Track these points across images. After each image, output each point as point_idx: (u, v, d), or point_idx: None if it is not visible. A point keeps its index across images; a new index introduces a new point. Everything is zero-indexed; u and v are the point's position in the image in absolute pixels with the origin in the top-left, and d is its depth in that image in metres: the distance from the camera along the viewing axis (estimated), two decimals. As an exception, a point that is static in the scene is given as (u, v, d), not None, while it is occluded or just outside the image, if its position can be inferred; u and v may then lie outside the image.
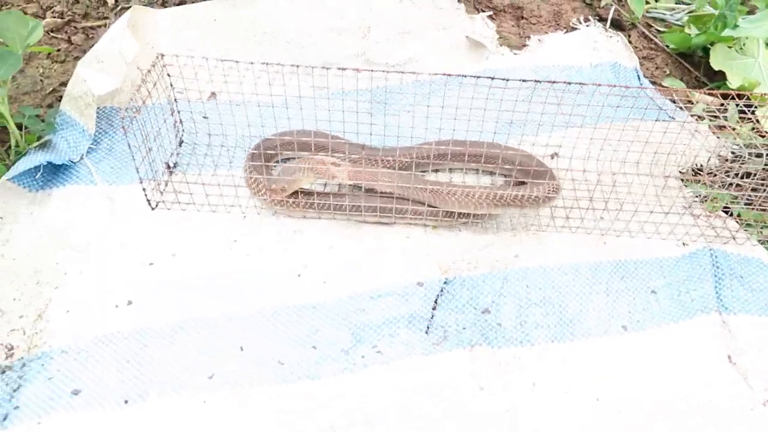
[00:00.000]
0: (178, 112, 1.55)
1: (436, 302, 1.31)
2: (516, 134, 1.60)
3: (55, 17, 1.82)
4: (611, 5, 2.05)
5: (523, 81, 1.39)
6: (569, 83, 1.39)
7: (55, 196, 1.47)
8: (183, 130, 1.60)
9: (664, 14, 2.13)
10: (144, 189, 1.40)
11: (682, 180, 1.61)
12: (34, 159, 1.44)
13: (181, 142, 1.60)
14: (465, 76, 1.38)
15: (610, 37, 1.92)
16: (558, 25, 2.01)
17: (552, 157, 1.31)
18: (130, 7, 1.71)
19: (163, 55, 1.41)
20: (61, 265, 1.34)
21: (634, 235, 1.44)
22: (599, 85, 1.41)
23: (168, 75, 1.46)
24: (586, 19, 1.99)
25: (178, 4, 1.76)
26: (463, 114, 1.42)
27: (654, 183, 1.56)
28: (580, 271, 1.38)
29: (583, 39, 1.88)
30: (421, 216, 1.43)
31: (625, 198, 1.47)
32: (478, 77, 1.39)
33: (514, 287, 1.34)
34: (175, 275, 1.33)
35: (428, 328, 1.28)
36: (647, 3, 2.11)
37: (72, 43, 1.80)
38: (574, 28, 1.98)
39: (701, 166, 1.63)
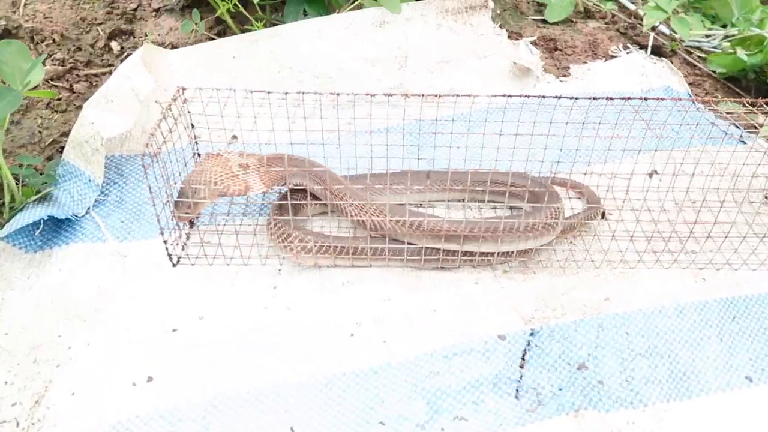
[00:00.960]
0: (199, 155, 1.36)
1: (523, 359, 1.09)
2: (582, 161, 1.42)
3: (55, 65, 1.66)
4: (650, 33, 1.94)
5: (594, 99, 1.23)
6: (645, 99, 1.23)
7: (56, 257, 1.25)
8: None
9: (699, 41, 2.03)
10: (165, 242, 1.18)
11: (769, 205, 1.43)
12: (33, 214, 1.23)
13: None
14: (528, 97, 1.22)
15: (655, 63, 1.80)
16: (595, 54, 1.89)
17: (650, 176, 1.14)
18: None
19: (184, 89, 1.23)
20: (64, 337, 1.11)
21: (737, 267, 1.24)
22: (679, 99, 1.25)
23: (188, 112, 1.28)
24: (626, 47, 1.88)
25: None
26: (522, 143, 1.25)
27: (741, 210, 1.37)
28: (685, 313, 1.17)
29: (628, 65, 1.76)
30: (490, 257, 1.22)
31: (712, 227, 1.28)
32: (543, 96, 1.23)
33: (612, 336, 1.12)
34: (204, 342, 1.10)
35: (518, 391, 1.05)
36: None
37: (74, 92, 1.63)
38: (613, 56, 1.86)
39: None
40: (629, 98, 1.24)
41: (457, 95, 1.19)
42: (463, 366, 1.06)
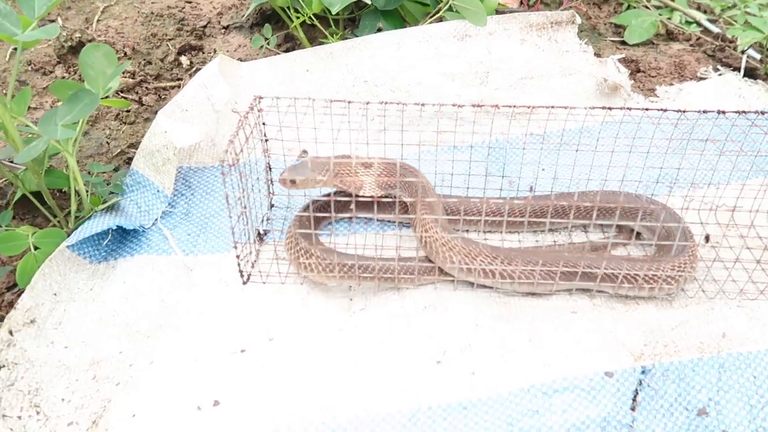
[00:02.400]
0: (271, 168, 1.30)
1: (634, 400, 0.95)
2: (683, 188, 1.29)
3: (126, 77, 1.64)
4: (742, 55, 1.81)
5: (704, 111, 1.12)
6: (763, 112, 1.11)
7: (120, 269, 1.19)
8: (273, 192, 1.33)
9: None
10: (238, 257, 1.11)
11: None
12: (101, 223, 1.17)
13: (272, 206, 1.33)
14: (630, 109, 1.11)
15: (751, 85, 1.67)
16: (682, 76, 1.77)
17: None
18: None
19: (260, 98, 1.18)
20: (125, 354, 1.04)
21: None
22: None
23: (263, 124, 1.22)
24: (716, 69, 1.75)
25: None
26: (618, 161, 1.14)
27: None
28: (820, 355, 1.01)
29: (723, 87, 1.63)
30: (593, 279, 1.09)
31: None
32: (647, 109, 1.12)
33: (736, 379, 0.98)
34: (275, 365, 1.01)
35: (630, 437, 0.91)
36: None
37: (143, 104, 1.60)
38: (701, 78, 1.74)
39: None
40: (744, 111, 1.12)
41: (552, 106, 1.10)
42: (565, 405, 0.94)
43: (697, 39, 1.97)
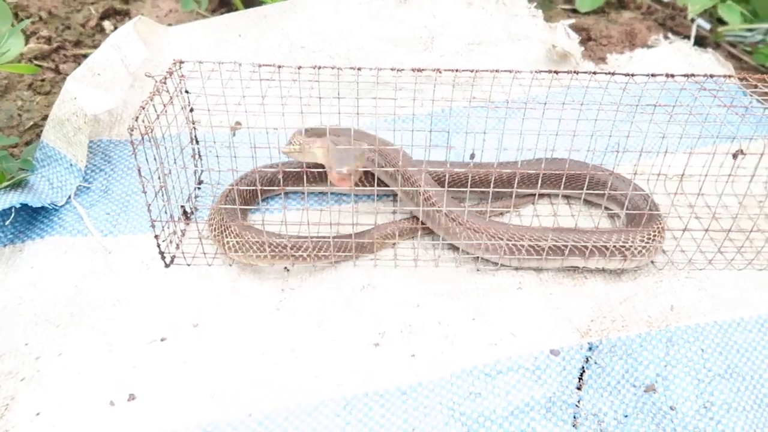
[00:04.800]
0: (197, 141, 1.19)
1: (580, 378, 0.91)
2: (631, 155, 1.25)
3: (40, 43, 1.49)
4: (691, 23, 1.78)
5: (652, 75, 1.07)
6: (712, 75, 1.07)
7: (29, 252, 1.07)
8: (202, 168, 1.23)
9: (743, 36, 1.87)
10: (157, 237, 1.01)
11: None
12: (3, 201, 1.05)
13: (200, 183, 1.23)
14: (577, 72, 1.05)
15: (701, 54, 1.64)
16: (633, 44, 1.73)
17: (735, 157, 0.97)
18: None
19: (181, 62, 1.07)
20: (31, 346, 0.94)
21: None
22: (744, 79, 1.09)
23: (186, 92, 1.11)
24: (666, 37, 1.72)
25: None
26: (566, 129, 1.08)
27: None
28: (767, 326, 0.99)
29: (673, 54, 1.59)
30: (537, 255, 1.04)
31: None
32: (595, 73, 1.06)
33: (684, 353, 0.94)
34: (199, 354, 0.93)
35: (575, 417, 0.87)
36: (722, 25, 1.86)
37: (60, 72, 1.46)
38: (652, 47, 1.70)
39: None
40: (693, 75, 1.08)
41: (497, 70, 1.03)
42: (509, 386, 0.88)
43: (648, 7, 1.93)
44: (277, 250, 1.02)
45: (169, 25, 1.57)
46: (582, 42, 1.78)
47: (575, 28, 1.80)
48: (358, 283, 1.04)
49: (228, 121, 1.06)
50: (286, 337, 0.96)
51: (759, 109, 1.41)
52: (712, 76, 1.09)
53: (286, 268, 1.08)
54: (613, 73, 1.07)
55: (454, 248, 1.11)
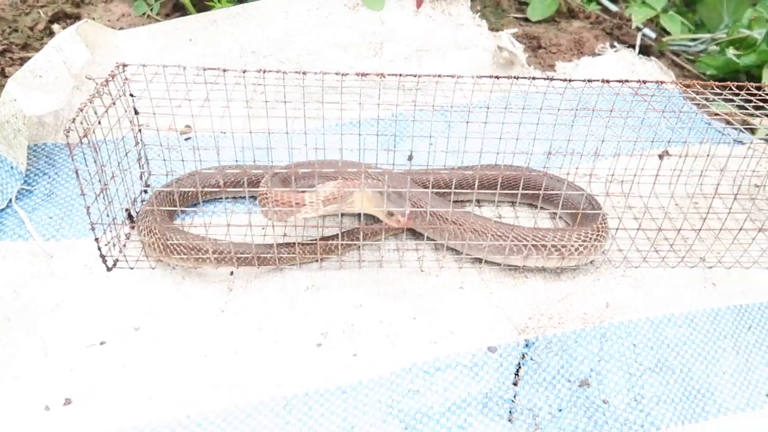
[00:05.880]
0: (143, 145, 1.19)
1: (517, 374, 0.93)
2: (570, 160, 1.29)
3: (-14, 46, 1.47)
4: (637, 30, 1.85)
5: (589, 81, 1.11)
6: (644, 81, 1.12)
7: (-34, 257, 1.06)
8: (150, 172, 1.22)
9: (686, 45, 1.94)
10: (97, 240, 1.00)
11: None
12: (-61, 206, 1.04)
13: (147, 186, 1.23)
14: (517, 78, 1.08)
15: (645, 62, 1.70)
16: (581, 52, 1.78)
17: (661, 157, 1.01)
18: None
19: (125, 65, 1.07)
20: (-34, 351, 0.92)
21: (749, 267, 1.12)
22: (677, 82, 1.14)
23: (131, 95, 1.11)
24: (613, 45, 1.78)
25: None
26: (507, 133, 1.11)
27: (743, 208, 1.25)
28: (696, 322, 1.03)
29: (617, 62, 1.65)
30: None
31: (722, 224, 1.16)
32: (534, 78, 1.09)
33: (617, 348, 0.98)
34: (138, 357, 0.92)
35: (511, 413, 0.89)
36: (667, 35, 1.93)
37: (6, 76, 1.44)
38: (598, 55, 1.76)
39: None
40: (626, 80, 1.12)
41: (439, 75, 1.05)
42: (447, 383, 0.90)
43: (597, 17, 1.99)
44: (192, 252, 1.02)
45: (121, 29, 1.57)
46: (533, 50, 1.83)
47: (526, 37, 1.85)
48: (303, 284, 1.05)
49: (174, 124, 1.06)
50: (228, 339, 0.96)
51: (691, 114, 1.48)
52: (645, 82, 1.13)
53: (231, 272, 1.08)
54: (552, 79, 1.10)
55: (398, 249, 1.13)
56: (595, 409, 0.90)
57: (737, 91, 1.15)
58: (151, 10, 1.57)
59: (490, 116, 1.04)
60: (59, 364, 0.90)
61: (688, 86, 1.18)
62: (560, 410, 0.90)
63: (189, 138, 1.32)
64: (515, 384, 0.92)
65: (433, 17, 1.44)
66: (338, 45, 1.38)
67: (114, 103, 1.01)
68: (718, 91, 1.16)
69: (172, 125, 1.06)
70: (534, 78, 1.09)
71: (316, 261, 1.09)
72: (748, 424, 0.93)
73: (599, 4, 2.05)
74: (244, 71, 1.06)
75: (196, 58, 1.39)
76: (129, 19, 1.68)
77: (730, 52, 1.74)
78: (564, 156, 1.27)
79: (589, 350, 0.97)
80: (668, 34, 1.91)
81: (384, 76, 1.06)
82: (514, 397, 0.90)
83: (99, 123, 0.94)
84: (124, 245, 1.09)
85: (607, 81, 1.11)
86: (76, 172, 0.92)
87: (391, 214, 0.98)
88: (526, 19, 1.95)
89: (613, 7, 2.03)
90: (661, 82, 1.14)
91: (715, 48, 1.88)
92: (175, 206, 1.11)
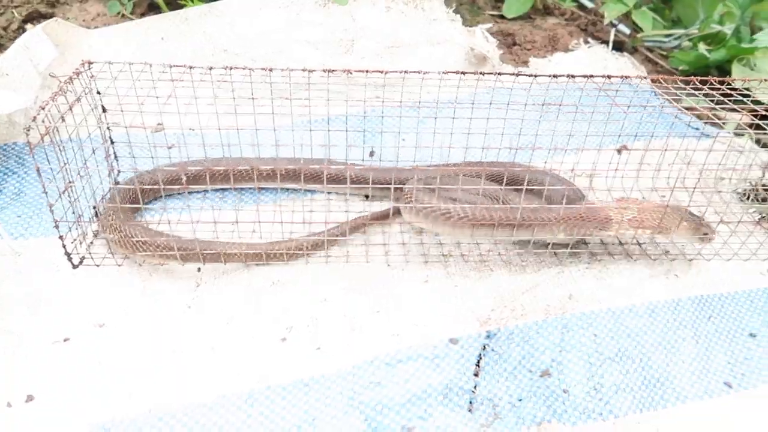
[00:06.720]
0: (112, 142, 1.19)
1: (478, 365, 0.94)
2: (540, 154, 1.31)
3: (-42, 46, 1.47)
4: (612, 26, 1.86)
5: (554, 76, 1.12)
6: (609, 76, 1.13)
7: (-68, 256, 1.06)
8: (119, 169, 1.23)
9: (661, 41, 1.96)
10: (62, 238, 1.01)
11: (741, 199, 1.33)
12: None
13: (117, 184, 1.23)
14: (484, 74, 1.10)
15: (617, 58, 1.71)
16: (555, 49, 1.80)
17: (619, 152, 1.03)
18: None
19: (90, 63, 1.07)
20: (-70, 349, 0.92)
21: (710, 258, 1.13)
22: (645, 77, 1.16)
23: (98, 93, 1.11)
24: (587, 42, 1.79)
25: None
26: (477, 128, 1.13)
27: (709, 202, 1.27)
28: (657, 312, 1.05)
29: (590, 58, 1.67)
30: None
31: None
32: (500, 73, 1.11)
33: (578, 338, 0.99)
34: (102, 353, 0.93)
35: (471, 403, 0.90)
36: (641, 31, 1.94)
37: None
38: (571, 51, 1.77)
39: (755, 183, 1.37)
40: (591, 75, 1.14)
41: (406, 71, 1.06)
42: (408, 375, 0.91)
43: (572, 14, 2.01)
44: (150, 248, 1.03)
45: (96, 28, 1.57)
46: (508, 46, 1.84)
47: (501, 33, 1.87)
48: (269, 279, 1.06)
49: (143, 121, 1.06)
50: (194, 334, 0.97)
51: (657, 108, 1.49)
52: (610, 77, 1.14)
53: (199, 268, 1.09)
54: (518, 74, 1.12)
55: (365, 244, 1.14)
56: (555, 398, 0.92)
57: (700, 86, 1.16)
58: (126, 9, 1.58)
59: (459, 112, 1.06)
60: (22, 361, 0.91)
61: (654, 81, 1.20)
62: (520, 400, 0.91)
63: (158, 132, 1.33)
64: (476, 375, 0.93)
65: (405, 13, 1.45)
66: (309, 42, 1.39)
67: (79, 101, 1.01)
68: (682, 85, 1.18)
69: (142, 123, 1.07)
70: (500, 73, 1.10)
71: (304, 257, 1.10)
72: (706, 411, 0.94)
73: (575, 0, 2.07)
74: (210, 68, 1.06)
75: (168, 56, 1.39)
76: (104, 18, 1.68)
77: (702, 47, 1.76)
78: (533, 151, 1.29)
79: (550, 341, 0.98)
80: (643, 30, 1.92)
81: (351, 72, 1.07)
82: (475, 387, 0.91)
83: (63, 121, 0.94)
84: (92, 243, 1.10)
85: (572, 76, 1.13)
86: (38, 170, 0.92)
87: (705, 234, 1.08)
88: (502, 16, 1.96)
89: (588, 4, 2.05)
90: (627, 77, 1.16)
91: (688, 44, 1.90)
92: (138, 203, 1.12)
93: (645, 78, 1.19)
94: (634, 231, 1.06)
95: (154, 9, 1.71)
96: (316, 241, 1.09)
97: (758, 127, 1.45)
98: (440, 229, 1.05)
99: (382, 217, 1.19)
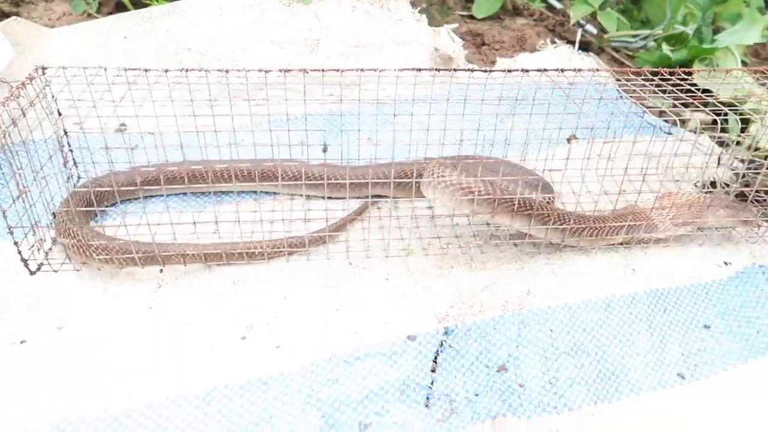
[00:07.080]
0: (69, 147, 1.19)
1: (435, 361, 0.95)
2: (501, 143, 1.32)
3: None
4: (579, 26, 1.89)
5: (509, 71, 1.14)
6: (562, 70, 1.15)
7: None
8: (78, 174, 1.22)
9: (627, 42, 1.99)
10: (17, 244, 1.00)
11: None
12: None
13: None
14: (439, 70, 1.11)
15: (583, 58, 1.74)
16: (523, 49, 1.82)
17: (569, 141, 1.04)
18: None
19: (44, 68, 1.07)
20: None
21: (668, 245, 1.15)
22: (597, 70, 1.18)
23: (53, 98, 1.11)
24: (553, 42, 1.82)
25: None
26: (435, 125, 1.14)
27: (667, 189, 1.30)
28: (613, 306, 1.07)
29: (556, 58, 1.69)
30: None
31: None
32: (455, 69, 1.12)
33: (534, 333, 1.01)
34: (59, 355, 0.92)
35: (428, 398, 0.91)
36: (606, 33, 1.97)
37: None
38: (537, 51, 1.80)
39: (714, 180, 1.40)
40: (545, 69, 1.15)
41: (362, 69, 1.07)
42: (366, 372, 0.92)
43: (541, 14, 2.03)
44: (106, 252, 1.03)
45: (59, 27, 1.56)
46: (476, 46, 1.86)
47: (470, 34, 1.88)
48: (230, 279, 1.06)
49: (100, 125, 1.06)
50: (154, 335, 0.97)
51: (612, 101, 1.51)
52: (563, 70, 1.16)
53: (161, 269, 1.08)
54: (472, 70, 1.13)
55: (326, 242, 1.15)
56: (511, 393, 0.93)
57: (668, 77, 1.19)
58: (91, 8, 1.57)
59: (420, 108, 1.07)
60: (-23, 364, 0.90)
61: (619, 72, 1.22)
62: (477, 395, 0.92)
63: (121, 132, 1.32)
64: (433, 371, 0.94)
65: (371, 12, 1.46)
66: (274, 42, 1.39)
67: (33, 105, 1.01)
68: (650, 77, 1.19)
69: (100, 126, 1.07)
70: (455, 69, 1.11)
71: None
72: (659, 402, 0.96)
73: (543, 1, 2.09)
74: (166, 70, 1.06)
75: (131, 56, 1.39)
76: (70, 18, 1.67)
77: (665, 47, 1.80)
78: (488, 145, 1.30)
79: (507, 336, 1.00)
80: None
81: (307, 72, 1.08)
82: (432, 383, 0.93)
83: (15, 126, 0.94)
84: (50, 249, 1.09)
85: (526, 71, 1.14)
86: (-8, 174, 0.92)
87: (746, 222, 1.11)
88: (472, 17, 1.98)
89: (557, 5, 2.08)
90: (580, 70, 1.18)
91: (653, 44, 1.93)
92: (92, 206, 1.11)
93: (593, 71, 1.21)
94: (678, 228, 1.11)
95: (121, 8, 1.70)
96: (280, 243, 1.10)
97: (714, 122, 1.49)
98: (465, 208, 1.03)
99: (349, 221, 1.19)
